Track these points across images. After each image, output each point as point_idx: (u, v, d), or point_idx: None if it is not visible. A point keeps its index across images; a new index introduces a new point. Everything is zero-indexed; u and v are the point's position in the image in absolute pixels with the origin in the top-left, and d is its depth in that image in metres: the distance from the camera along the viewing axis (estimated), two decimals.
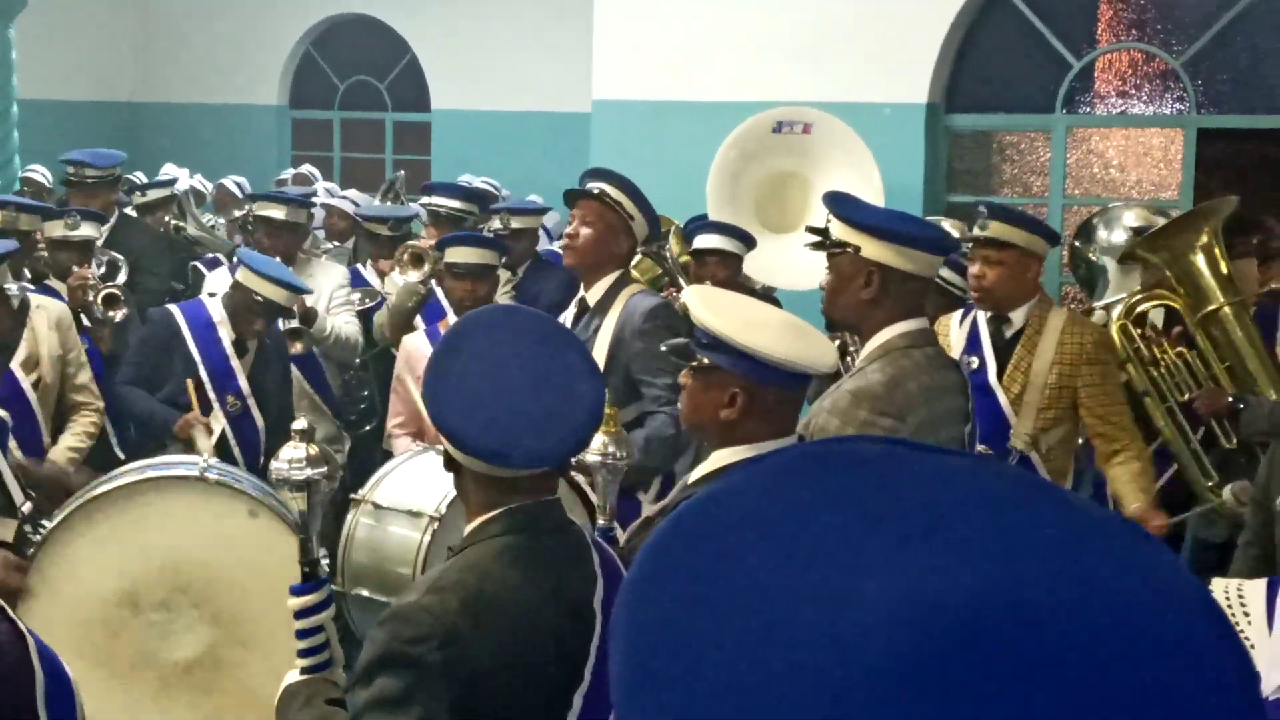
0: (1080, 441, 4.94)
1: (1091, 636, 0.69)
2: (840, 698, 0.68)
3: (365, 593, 4.43)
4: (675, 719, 0.72)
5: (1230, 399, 5.26)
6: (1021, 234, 4.67)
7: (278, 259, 5.95)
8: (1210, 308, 5.46)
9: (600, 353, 4.55)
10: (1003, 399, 4.68)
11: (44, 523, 4.16)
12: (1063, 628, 0.69)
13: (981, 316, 4.82)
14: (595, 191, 4.73)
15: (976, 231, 4.79)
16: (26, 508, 4.83)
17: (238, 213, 7.95)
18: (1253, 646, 2.59)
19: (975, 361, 4.77)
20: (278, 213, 6.56)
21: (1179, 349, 5.44)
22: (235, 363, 5.45)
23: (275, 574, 3.35)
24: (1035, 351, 4.65)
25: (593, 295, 4.72)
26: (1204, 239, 5.50)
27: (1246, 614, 2.64)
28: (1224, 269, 5.49)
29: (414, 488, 4.49)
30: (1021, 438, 4.63)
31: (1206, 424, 5.41)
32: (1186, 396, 5.39)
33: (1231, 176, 7.97)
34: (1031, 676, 0.68)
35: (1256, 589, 2.67)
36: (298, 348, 6.04)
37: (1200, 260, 5.49)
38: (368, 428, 6.77)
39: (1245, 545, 3.94)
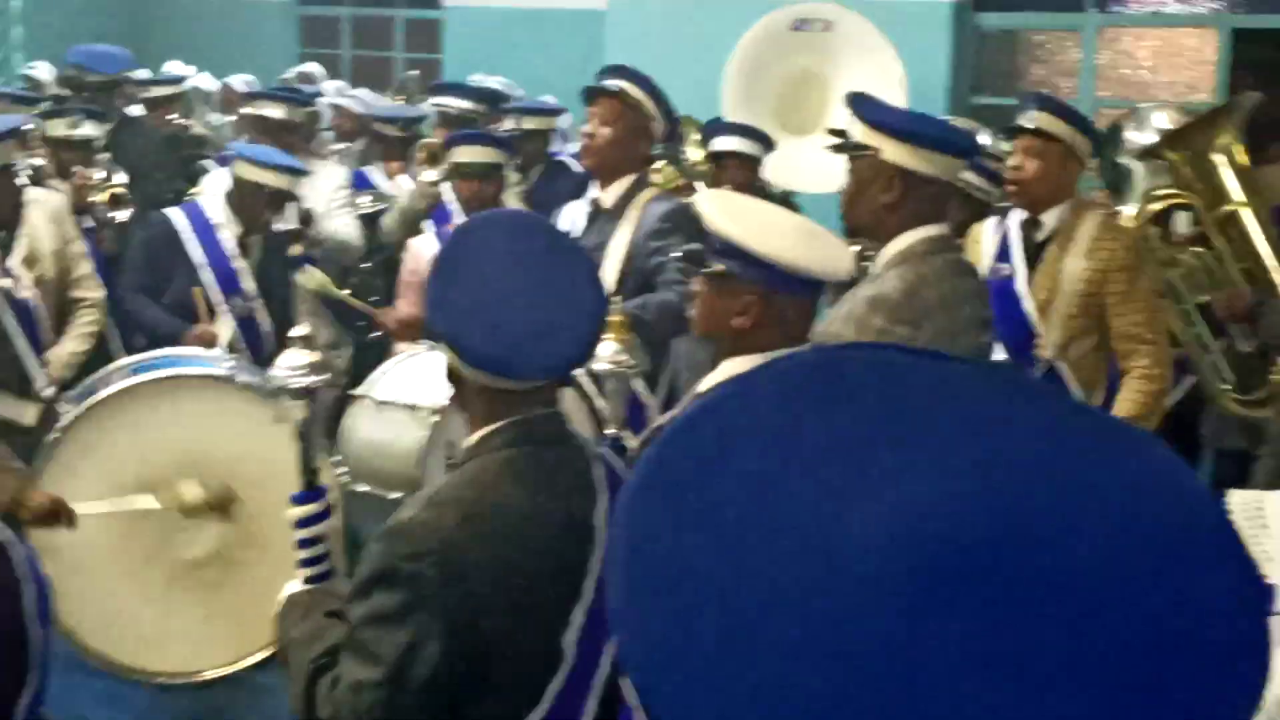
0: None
1: (1093, 548, 0.69)
2: (833, 609, 0.68)
3: (365, 488, 4.43)
4: (668, 627, 0.72)
5: (1251, 301, 5.14)
6: (1067, 129, 4.53)
7: None
8: (1227, 208, 5.32)
9: (616, 258, 4.50)
10: (1029, 306, 4.56)
11: (67, 407, 4.18)
12: (1064, 539, 0.69)
13: (1014, 221, 4.69)
14: (615, 90, 4.60)
15: (1022, 121, 4.64)
16: (49, 391, 4.81)
17: (244, 111, 7.83)
18: (1270, 558, 2.53)
19: (1006, 268, 4.64)
20: (275, 111, 6.53)
21: (1195, 249, 5.31)
22: (239, 264, 5.40)
23: (294, 481, 3.36)
24: (1065, 257, 4.50)
25: (608, 197, 4.64)
26: (1224, 138, 5.37)
27: (1265, 525, 2.58)
28: (1244, 169, 5.35)
29: (413, 384, 4.47)
30: (1049, 346, 4.52)
31: (1223, 328, 5.29)
32: (1204, 299, 5.27)
33: (1269, 78, 7.75)
34: (1032, 590, 0.68)
35: (1276, 499, 2.60)
36: (296, 249, 5.96)
37: (1220, 159, 5.35)
38: (377, 333, 6.68)
39: (1268, 455, 3.86)
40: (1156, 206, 5.37)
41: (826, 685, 0.67)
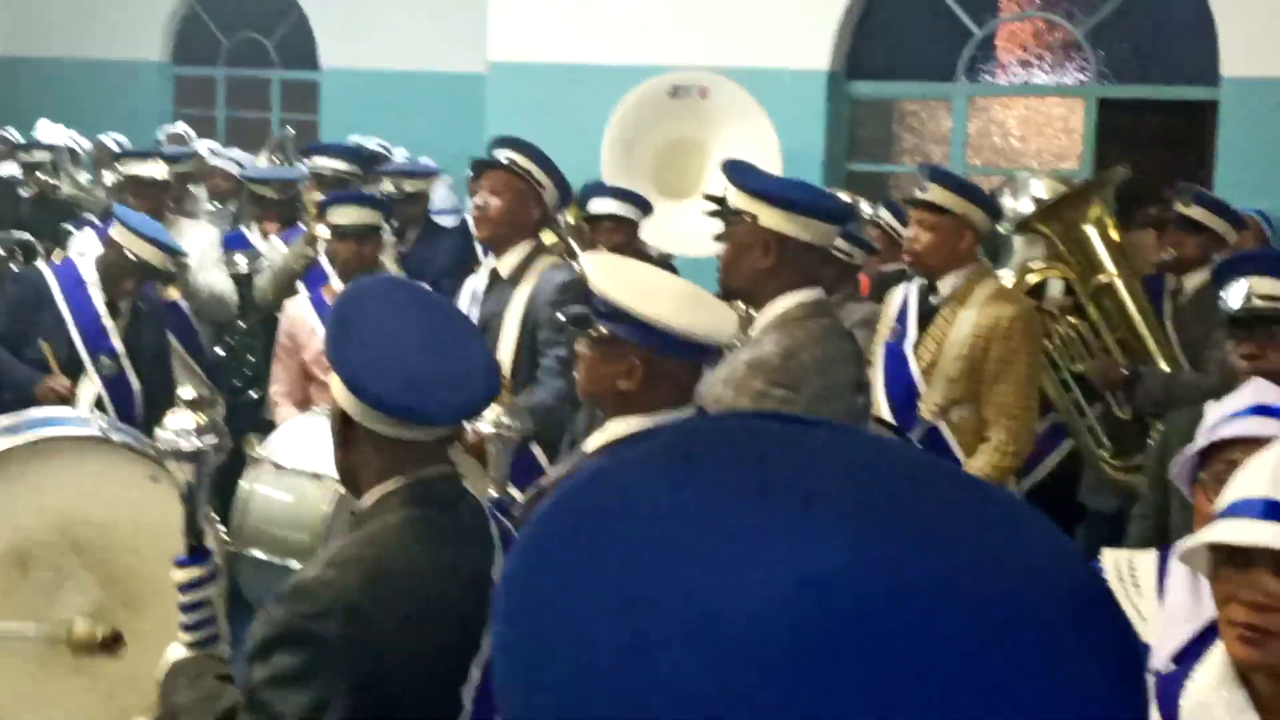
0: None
1: (974, 612, 0.69)
2: (723, 680, 0.67)
3: (260, 554, 4.35)
4: (553, 703, 0.70)
5: (1124, 369, 5.27)
6: (959, 201, 4.60)
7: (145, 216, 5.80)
8: (1101, 279, 5.47)
9: (512, 324, 4.50)
10: (914, 368, 4.63)
11: None
12: (944, 604, 0.69)
13: (916, 284, 4.77)
14: (504, 161, 4.62)
15: (917, 193, 4.72)
16: None
17: (114, 171, 7.72)
18: (1143, 619, 2.58)
19: (900, 329, 4.72)
20: (143, 170, 6.44)
21: (1071, 320, 5.45)
22: (109, 322, 5.32)
23: (173, 541, 3.28)
24: (954, 322, 4.56)
25: (505, 265, 4.63)
26: (1095, 211, 5.53)
27: (1137, 585, 2.64)
28: (1115, 240, 5.51)
29: (316, 450, 4.39)
30: (929, 408, 4.58)
31: (1100, 395, 5.42)
32: (1080, 367, 5.40)
33: (1133, 147, 7.99)
34: (914, 654, 0.67)
35: (1147, 560, 2.67)
36: (171, 293, 5.87)
37: (1091, 232, 5.50)
38: (253, 394, 6.59)
39: (1139, 517, 3.94)
40: (1033, 278, 5.50)
41: None
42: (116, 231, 5.32)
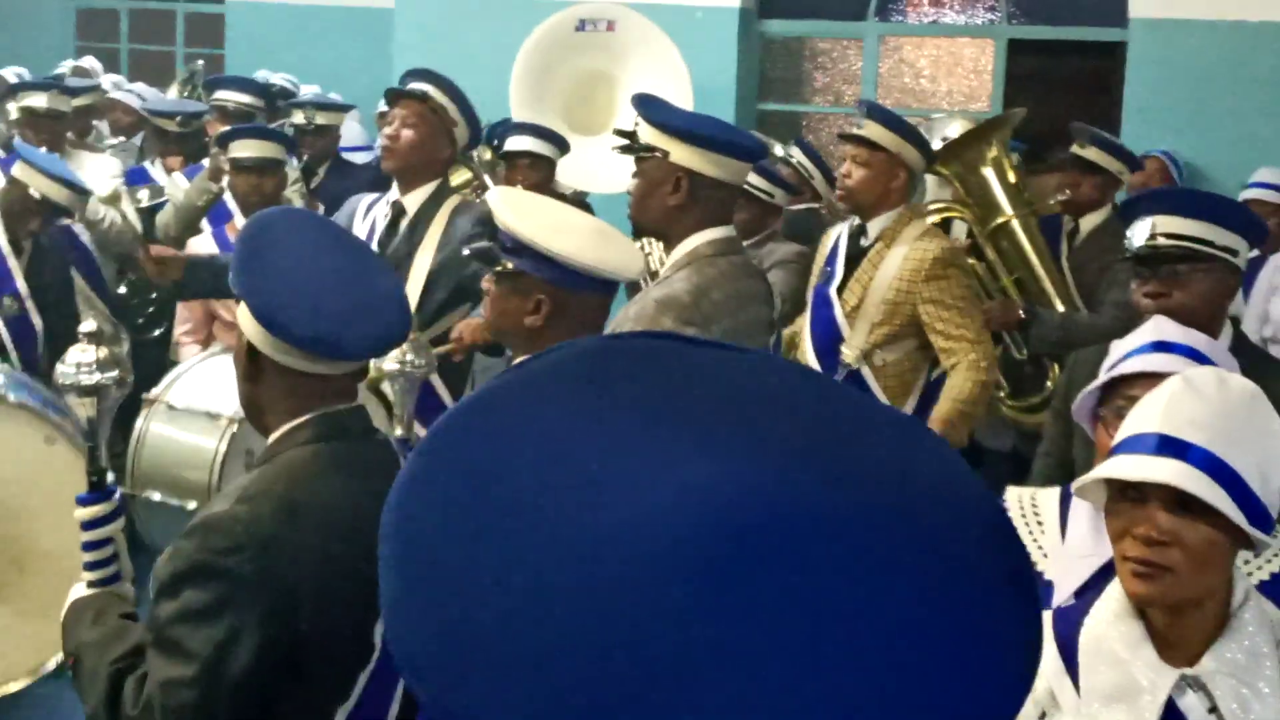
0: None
1: (874, 529, 0.69)
2: (609, 596, 0.66)
3: (156, 496, 4.29)
4: (439, 621, 0.69)
5: (1021, 311, 5.31)
6: (894, 139, 4.56)
7: (44, 150, 5.66)
8: (999, 220, 5.52)
9: (423, 263, 4.41)
10: (838, 311, 4.61)
11: None
12: (846, 521, 0.69)
13: (847, 226, 4.74)
14: (420, 93, 4.50)
15: (852, 129, 4.68)
16: None
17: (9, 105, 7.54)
18: (1045, 555, 2.62)
19: (829, 271, 4.71)
20: (38, 101, 6.32)
21: (969, 260, 5.48)
22: (11, 262, 5.24)
23: (67, 503, 3.20)
24: (880, 265, 4.54)
25: (411, 202, 4.51)
26: (993, 152, 5.55)
27: (1040, 522, 2.67)
28: (1013, 181, 5.54)
29: (211, 390, 4.34)
30: (852, 351, 4.57)
31: (997, 336, 5.46)
32: None
33: (1042, 89, 8.04)
34: (807, 574, 0.67)
35: (1049, 497, 2.70)
36: (68, 221, 5.76)
37: (989, 173, 5.53)
38: (157, 332, 6.48)
39: (1043, 455, 3.97)
40: (933, 219, 5.52)
41: (607, 673, 0.66)
42: (19, 169, 5.20)
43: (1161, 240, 3.55)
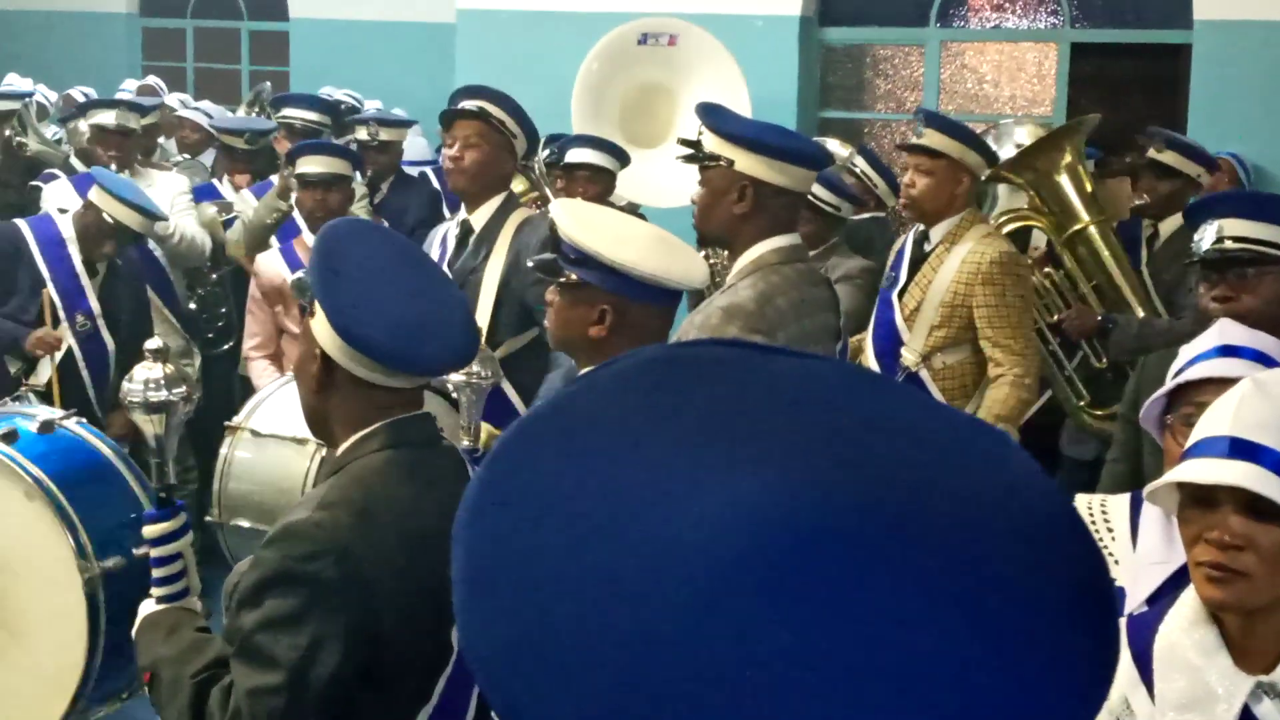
0: None
1: (945, 538, 0.69)
2: (678, 602, 0.67)
3: (245, 523, 4.29)
4: (512, 627, 0.71)
5: (1099, 318, 5.28)
6: (955, 145, 4.59)
7: (113, 166, 5.74)
8: (1076, 227, 5.47)
9: (492, 279, 4.41)
10: (898, 314, 4.63)
11: None
12: (916, 529, 0.69)
13: (914, 232, 4.77)
14: (476, 110, 4.51)
15: (912, 139, 4.71)
16: None
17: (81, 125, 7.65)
18: (1116, 561, 2.59)
19: (894, 276, 4.72)
20: (107, 118, 6.38)
21: (1046, 270, 5.44)
22: (85, 281, 5.34)
23: (42, 563, 3.16)
24: (939, 268, 4.56)
25: (478, 219, 4.52)
26: (1067, 158, 5.50)
27: (1110, 529, 2.65)
28: (1088, 187, 5.50)
29: (295, 415, 4.32)
30: (912, 354, 4.57)
31: (1077, 344, 5.42)
32: (1056, 318, 5.40)
33: (1105, 92, 7.97)
34: (884, 580, 0.67)
35: (1120, 504, 2.68)
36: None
37: (1064, 179, 5.49)
38: (225, 347, 6.56)
39: (1112, 461, 3.95)
40: (1010, 228, 5.49)
41: (680, 674, 0.66)
42: (95, 194, 5.30)
43: (1228, 244, 3.51)
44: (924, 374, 4.56)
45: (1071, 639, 0.70)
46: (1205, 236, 3.56)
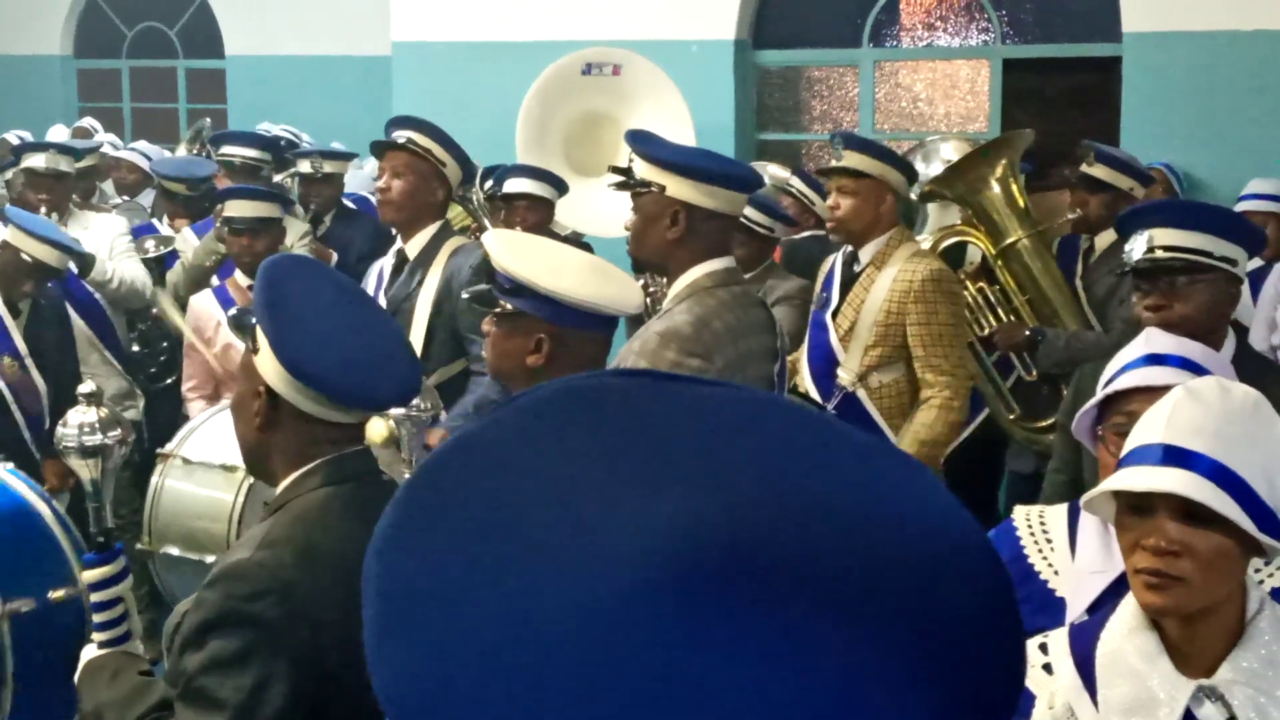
0: None
1: (851, 554, 0.70)
2: (600, 629, 0.67)
3: (174, 551, 4.28)
4: (423, 666, 0.70)
5: (1028, 332, 5.32)
6: (876, 164, 4.63)
7: (44, 210, 5.69)
8: (1008, 241, 5.52)
9: (424, 307, 4.45)
10: (832, 335, 4.65)
11: None
12: (820, 545, 0.69)
13: (842, 253, 4.79)
14: (403, 141, 4.54)
15: (832, 162, 4.74)
16: None
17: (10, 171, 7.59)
18: (1056, 572, 2.61)
19: (825, 297, 4.74)
20: (37, 161, 6.31)
21: (979, 284, 5.48)
22: (9, 323, 5.24)
23: None
24: (871, 288, 4.59)
25: (412, 248, 4.56)
26: (999, 172, 5.55)
27: (1049, 540, 2.66)
28: (1020, 202, 5.55)
29: (225, 443, 4.32)
30: (847, 375, 4.59)
31: (1007, 358, 5.46)
32: (987, 332, 5.44)
33: (1040, 106, 8.04)
34: (794, 594, 0.68)
35: (1058, 515, 2.70)
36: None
37: (996, 194, 5.54)
38: (169, 381, 6.49)
39: (1053, 472, 3.97)
40: (946, 243, 5.53)
41: (597, 702, 0.66)
42: (10, 233, 5.23)
43: (1160, 253, 3.55)
44: (861, 393, 4.59)
45: (972, 660, 0.71)
46: (1136, 246, 3.60)
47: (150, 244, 6.58)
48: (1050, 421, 5.39)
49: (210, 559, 4.12)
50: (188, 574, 4.06)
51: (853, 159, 4.63)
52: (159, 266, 6.48)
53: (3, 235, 5.55)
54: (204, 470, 4.31)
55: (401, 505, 0.77)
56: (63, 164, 6.37)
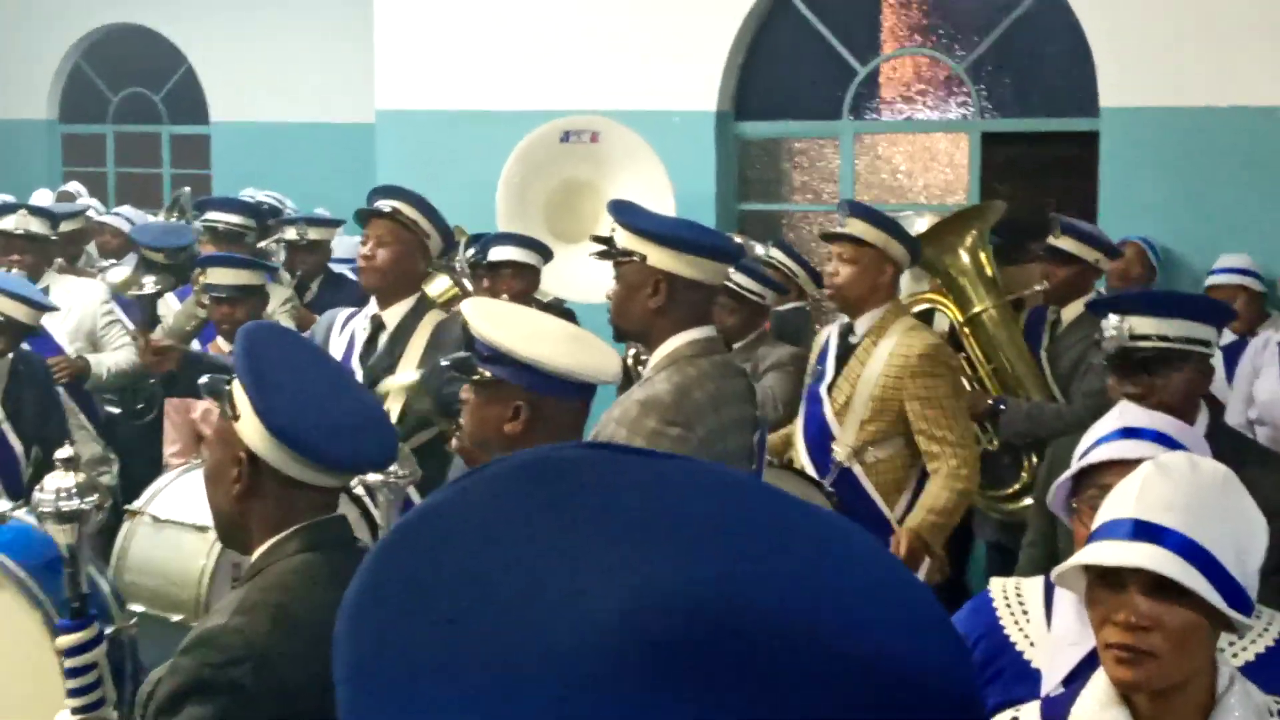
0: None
1: (810, 631, 0.70)
2: (562, 701, 0.68)
3: (140, 608, 4.24)
4: None
5: (990, 401, 5.33)
6: (879, 234, 4.61)
7: (16, 272, 5.72)
8: (976, 310, 5.55)
9: (403, 383, 4.40)
10: (828, 409, 4.63)
11: None
12: (778, 622, 0.70)
13: (838, 325, 4.78)
14: (388, 210, 4.57)
15: (836, 228, 4.73)
16: None
17: None
18: (1032, 644, 2.61)
19: (820, 370, 4.73)
20: (7, 223, 6.32)
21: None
22: None
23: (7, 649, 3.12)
24: (867, 362, 4.56)
25: (390, 317, 4.56)
26: (968, 242, 5.59)
27: (1025, 611, 2.67)
28: (989, 271, 5.58)
29: (197, 502, 4.30)
30: (843, 449, 4.58)
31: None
32: None
33: (1019, 179, 8.12)
34: (753, 670, 0.68)
35: (1034, 586, 2.71)
36: (60, 375, 5.81)
37: (966, 263, 5.57)
38: (149, 418, 6.48)
39: (1029, 545, 3.98)
40: (916, 309, 5.55)
41: None
42: None
43: (1136, 342, 3.58)
44: (856, 469, 4.57)
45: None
46: (1113, 335, 3.63)
47: (149, 280, 6.57)
48: (1012, 490, 5.42)
49: (176, 617, 4.10)
50: (153, 631, 4.03)
51: (856, 226, 4.62)
52: (152, 304, 6.47)
53: None
54: (174, 529, 4.29)
55: (369, 572, 0.78)
56: (34, 225, 6.34)
